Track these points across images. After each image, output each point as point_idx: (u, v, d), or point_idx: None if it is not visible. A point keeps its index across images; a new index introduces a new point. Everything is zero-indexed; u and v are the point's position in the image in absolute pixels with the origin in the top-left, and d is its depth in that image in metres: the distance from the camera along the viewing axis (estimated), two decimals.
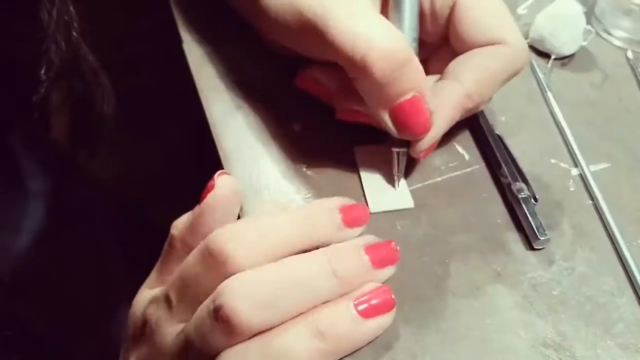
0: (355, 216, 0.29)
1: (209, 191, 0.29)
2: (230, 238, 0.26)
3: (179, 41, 0.43)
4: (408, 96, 0.30)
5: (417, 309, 0.29)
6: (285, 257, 0.27)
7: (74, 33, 0.37)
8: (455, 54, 0.34)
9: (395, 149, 0.33)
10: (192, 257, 0.27)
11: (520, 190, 0.32)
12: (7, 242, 0.42)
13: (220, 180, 0.29)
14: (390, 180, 0.34)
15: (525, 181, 0.33)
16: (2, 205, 0.42)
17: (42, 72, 0.35)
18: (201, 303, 0.26)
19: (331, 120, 0.36)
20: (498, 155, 0.35)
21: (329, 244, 0.28)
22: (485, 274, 0.31)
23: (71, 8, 0.36)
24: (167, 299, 0.28)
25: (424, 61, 0.35)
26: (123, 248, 0.59)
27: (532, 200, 0.32)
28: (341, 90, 0.34)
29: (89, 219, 0.53)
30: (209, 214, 0.28)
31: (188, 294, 0.27)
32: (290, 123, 0.37)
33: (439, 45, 0.36)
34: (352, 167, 0.34)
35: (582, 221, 0.33)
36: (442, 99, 0.32)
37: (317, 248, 0.27)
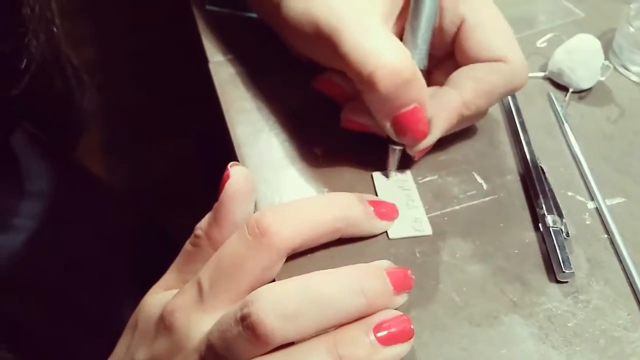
0: (385, 209, 0.32)
1: (225, 182, 0.30)
2: (274, 215, 0.28)
3: (202, 60, 0.44)
4: (410, 107, 0.32)
5: (434, 336, 0.29)
6: (324, 233, 0.30)
7: (55, 29, 0.38)
8: (458, 66, 0.36)
9: (392, 146, 0.35)
10: (233, 239, 0.28)
11: (554, 223, 0.33)
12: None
13: (234, 170, 0.30)
14: (386, 175, 0.36)
15: (560, 215, 0.34)
16: None
17: (23, 66, 0.35)
18: (235, 289, 0.27)
19: (351, 145, 0.37)
20: (537, 186, 0.35)
21: (359, 231, 0.31)
22: (501, 303, 0.31)
23: (53, 5, 0.37)
24: (198, 286, 0.28)
25: (429, 72, 0.37)
26: (126, 250, 0.60)
27: (564, 234, 0.33)
28: (350, 100, 0.37)
29: (89, 219, 0.53)
30: (230, 202, 0.29)
31: (222, 278, 0.27)
32: (311, 147, 0.37)
33: (444, 58, 0.37)
34: (371, 192, 0.35)
35: (597, 255, 0.34)
36: (440, 106, 0.34)
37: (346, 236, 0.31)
